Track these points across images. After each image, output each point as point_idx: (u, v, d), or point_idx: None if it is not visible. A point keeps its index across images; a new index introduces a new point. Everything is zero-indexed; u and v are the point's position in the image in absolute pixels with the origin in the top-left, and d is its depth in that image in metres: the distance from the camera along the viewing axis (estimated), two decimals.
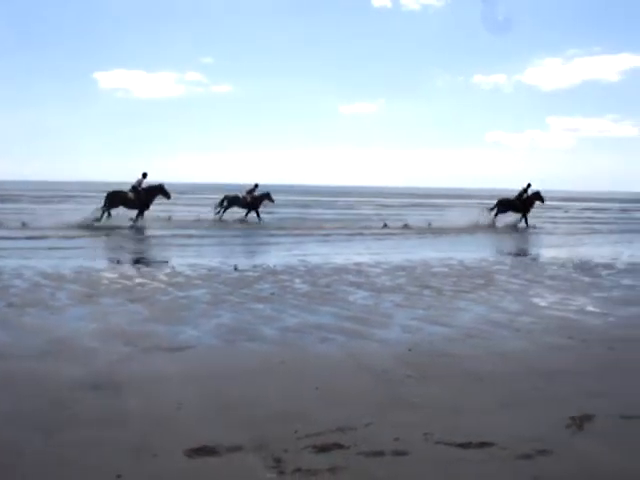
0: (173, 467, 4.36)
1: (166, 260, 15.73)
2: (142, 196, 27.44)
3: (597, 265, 15.71)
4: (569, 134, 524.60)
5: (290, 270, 13.70)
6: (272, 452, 4.56)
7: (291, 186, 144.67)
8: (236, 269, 13.74)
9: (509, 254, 19.49)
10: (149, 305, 9.73)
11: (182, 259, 15.41)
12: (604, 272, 14.48)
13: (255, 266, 14.27)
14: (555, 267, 15.27)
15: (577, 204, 72.82)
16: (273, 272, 13.39)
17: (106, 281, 11.94)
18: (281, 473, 4.25)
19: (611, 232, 29.62)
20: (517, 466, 4.37)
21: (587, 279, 13.34)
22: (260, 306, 9.79)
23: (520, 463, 4.42)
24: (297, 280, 12.37)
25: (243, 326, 8.50)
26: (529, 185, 31.53)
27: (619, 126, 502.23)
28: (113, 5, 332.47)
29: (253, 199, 31.69)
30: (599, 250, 20.26)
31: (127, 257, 16.75)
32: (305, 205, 53.10)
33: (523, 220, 31.29)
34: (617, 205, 72.47)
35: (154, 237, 22.81)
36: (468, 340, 7.99)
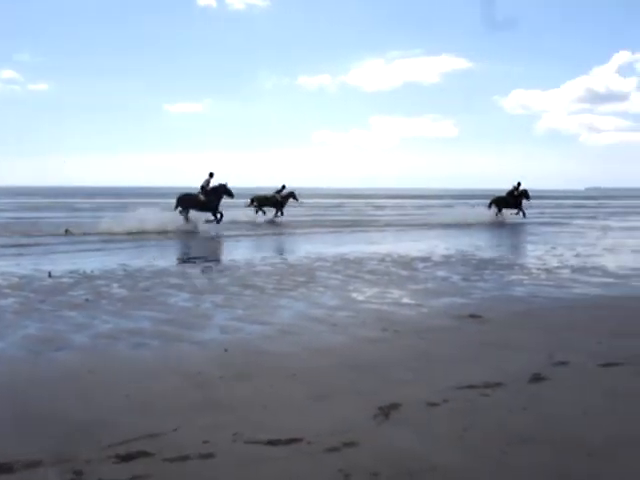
0: None
1: None
2: (212, 197, 27.25)
3: (414, 259, 16.32)
4: (392, 133, 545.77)
5: (108, 275, 13.20)
6: (73, 465, 4.30)
7: (115, 188, 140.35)
8: (50, 276, 13.05)
9: (334, 251, 19.87)
10: None
11: None
12: (420, 265, 15.07)
13: (71, 272, 13.62)
14: (375, 262, 15.71)
15: (403, 201, 75.66)
16: (90, 277, 12.85)
17: None
18: None
19: (430, 227, 30.89)
20: (323, 459, 4.38)
21: (404, 272, 13.82)
22: (72, 314, 9.33)
23: (326, 456, 4.43)
24: (115, 285, 11.93)
25: (51, 335, 8.06)
26: (519, 184, 35.71)
27: (439, 126, 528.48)
28: None
29: (282, 198, 34.88)
30: (417, 245, 21.08)
31: None
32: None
33: (521, 213, 35.61)
34: (441, 202, 75.81)
35: None
36: (285, 337, 8.01)
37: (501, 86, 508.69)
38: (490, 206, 35.87)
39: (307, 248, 20.00)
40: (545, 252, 18.60)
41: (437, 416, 5.27)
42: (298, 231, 27.44)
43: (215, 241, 23.51)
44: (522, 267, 14.98)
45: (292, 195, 35.01)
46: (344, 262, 15.77)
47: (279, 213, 34.89)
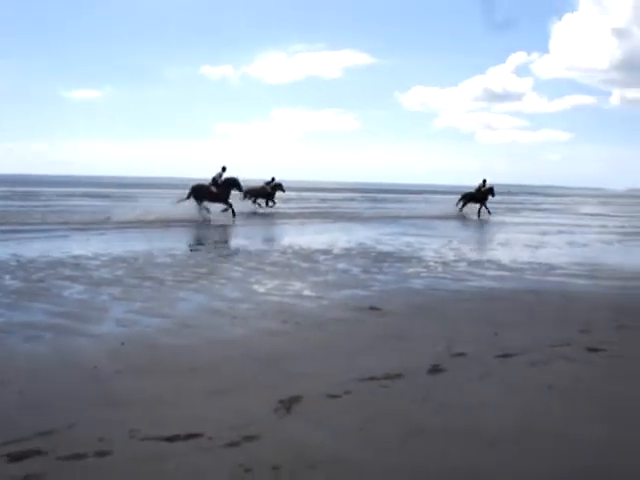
0: None
1: None
2: (222, 189, 28.68)
3: (315, 251, 16.39)
4: (294, 126, 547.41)
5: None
6: None
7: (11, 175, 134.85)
8: None
9: (239, 243, 19.75)
10: None
11: None
12: (321, 257, 15.14)
13: None
14: (277, 254, 15.70)
15: (307, 194, 75.87)
16: None
17: None
18: None
19: (334, 220, 31.07)
20: (223, 455, 4.31)
21: (305, 265, 13.84)
22: None
23: (227, 451, 4.36)
24: (7, 276, 11.45)
25: None
26: (484, 181, 37.97)
27: (341, 120, 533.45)
28: None
29: (272, 189, 36.50)
30: (319, 237, 21.19)
31: None
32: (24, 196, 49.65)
33: (484, 209, 37.43)
34: (341, 195, 76.49)
35: None
36: (184, 330, 7.87)
37: (402, 82, 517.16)
38: (460, 201, 38.17)
39: (211, 239, 19.81)
40: (442, 246, 19.03)
41: (338, 408, 5.29)
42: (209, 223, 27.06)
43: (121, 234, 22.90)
44: (420, 260, 15.27)
45: (279, 186, 37.01)
46: (246, 254, 15.67)
47: (270, 203, 36.79)
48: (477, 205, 37.78)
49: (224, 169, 29.11)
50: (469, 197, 38.30)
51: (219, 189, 28.64)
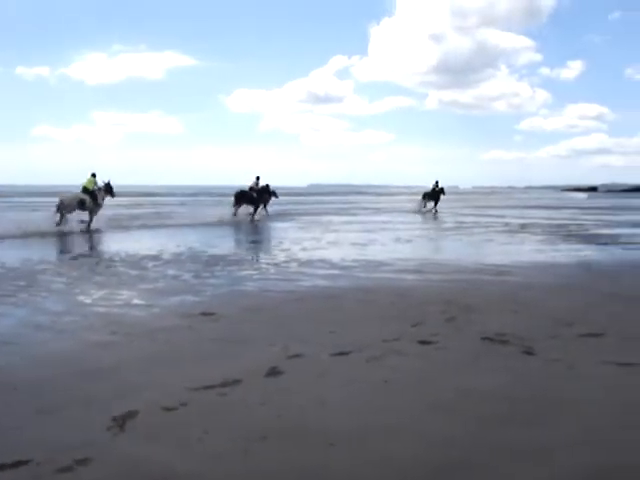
0: None
1: None
2: (260, 195, 34.60)
3: (144, 257, 15.89)
4: (116, 129, 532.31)
5: None
6: None
7: None
8: None
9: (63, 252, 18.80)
10: None
11: None
12: (150, 264, 14.68)
13: None
14: (104, 262, 15.06)
15: (132, 199, 73.64)
16: None
17: None
18: None
19: (163, 226, 30.29)
20: None
21: (134, 272, 13.37)
22: None
23: (58, 478, 4.06)
24: None
25: None
26: (437, 182, 45.22)
27: (165, 122, 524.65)
28: None
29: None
30: (147, 243, 20.57)
31: None
32: None
33: (435, 206, 44.80)
34: (175, 199, 74.86)
35: None
36: (3, 348, 7.32)
37: (226, 85, 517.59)
38: (423, 198, 45.69)
39: (39, 250, 18.69)
40: (273, 247, 19.08)
41: (175, 421, 5.08)
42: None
43: None
44: (252, 262, 15.22)
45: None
46: (68, 264, 14.92)
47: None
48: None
49: (258, 178, 34.57)
50: (429, 196, 45.27)
51: (258, 195, 34.51)
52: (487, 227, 28.71)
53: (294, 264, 14.72)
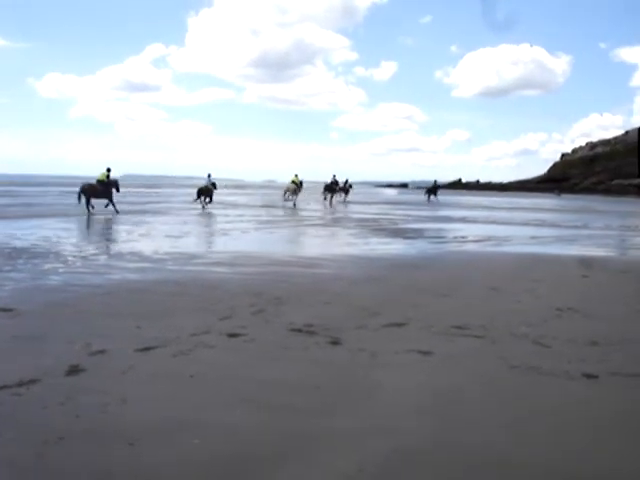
0: None
1: None
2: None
3: None
4: None
5: None
6: None
7: None
8: None
9: None
10: None
11: None
12: None
13: None
14: None
15: None
16: None
17: None
18: None
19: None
20: None
21: None
22: None
23: None
24: None
25: None
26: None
27: None
28: None
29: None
30: None
31: None
32: None
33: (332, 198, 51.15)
34: None
35: None
36: None
37: (36, 68, 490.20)
38: (325, 192, 51.88)
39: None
40: (82, 239, 18.36)
41: None
42: None
43: None
44: (58, 255, 14.49)
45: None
46: None
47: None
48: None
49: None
50: (328, 188, 51.73)
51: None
52: (300, 221, 29.26)
53: (103, 257, 14.26)
